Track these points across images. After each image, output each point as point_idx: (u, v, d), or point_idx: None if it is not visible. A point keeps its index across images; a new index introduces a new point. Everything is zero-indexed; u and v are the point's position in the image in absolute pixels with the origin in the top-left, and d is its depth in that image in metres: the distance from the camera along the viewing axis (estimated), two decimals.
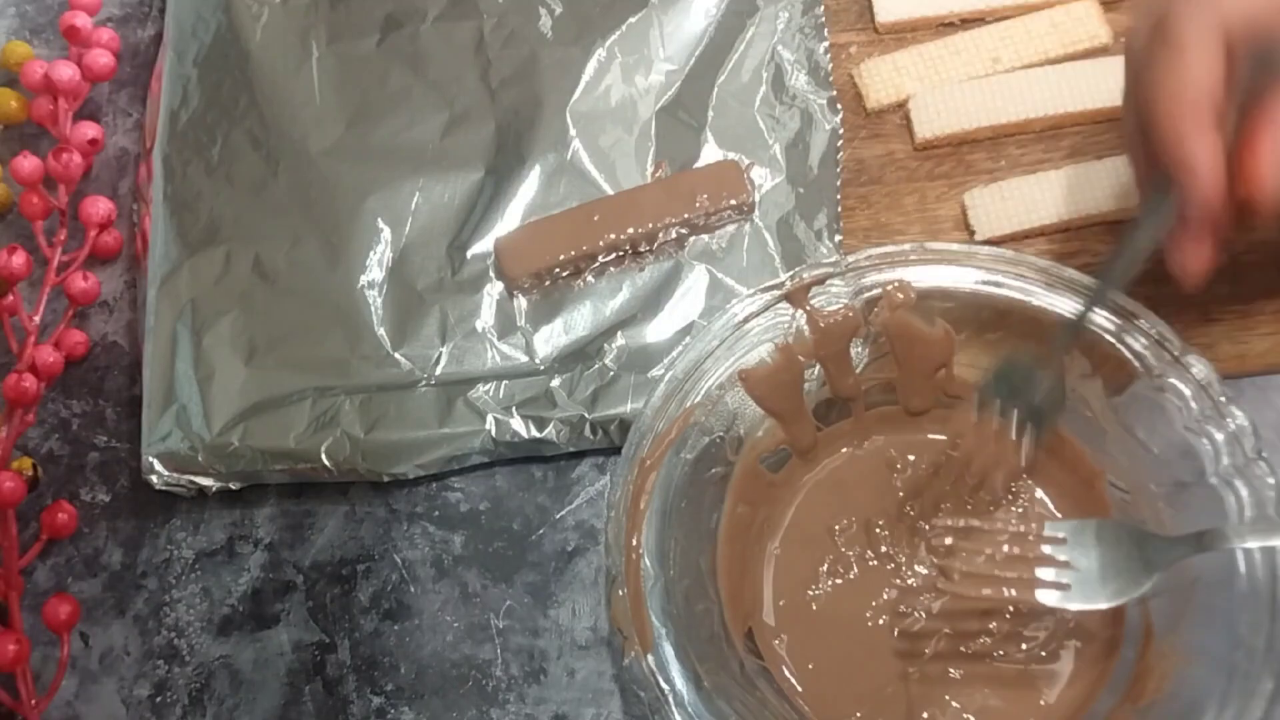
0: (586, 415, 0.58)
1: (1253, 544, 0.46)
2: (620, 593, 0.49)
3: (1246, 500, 0.47)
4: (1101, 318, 0.51)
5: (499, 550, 0.59)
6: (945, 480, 0.54)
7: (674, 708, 0.47)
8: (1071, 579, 0.49)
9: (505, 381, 0.59)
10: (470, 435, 0.59)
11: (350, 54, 0.67)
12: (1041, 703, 0.52)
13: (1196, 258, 0.49)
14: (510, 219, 0.63)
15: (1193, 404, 0.49)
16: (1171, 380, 0.49)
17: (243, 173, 0.65)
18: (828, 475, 0.57)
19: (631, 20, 0.66)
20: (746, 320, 0.53)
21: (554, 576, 0.58)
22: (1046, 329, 0.52)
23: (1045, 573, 0.49)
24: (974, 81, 0.63)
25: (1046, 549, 0.50)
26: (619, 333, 0.60)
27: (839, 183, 0.62)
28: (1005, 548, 0.50)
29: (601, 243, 0.61)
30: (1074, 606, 0.49)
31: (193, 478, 0.59)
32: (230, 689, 0.57)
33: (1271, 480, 0.47)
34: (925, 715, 0.52)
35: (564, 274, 0.61)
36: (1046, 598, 0.49)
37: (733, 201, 0.61)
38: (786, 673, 0.53)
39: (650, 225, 0.61)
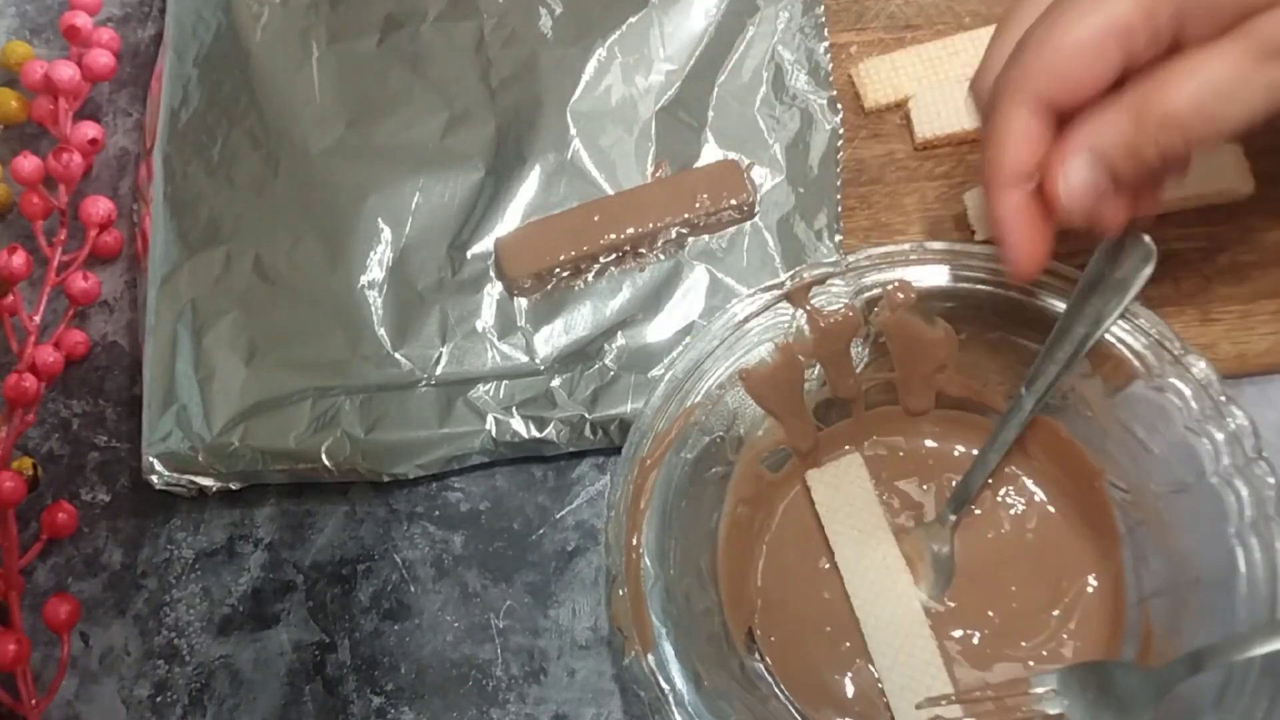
0: (587, 415, 0.58)
1: (1257, 651, 0.43)
2: (620, 593, 0.49)
3: (1246, 500, 0.47)
4: None
5: (499, 550, 0.59)
6: None
7: (674, 707, 0.47)
8: None
9: (505, 381, 0.59)
10: (470, 435, 0.59)
11: (350, 54, 0.67)
12: None
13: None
14: (510, 219, 0.63)
15: (1193, 404, 0.49)
16: (1171, 380, 0.49)
17: (243, 173, 0.65)
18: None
19: (631, 20, 0.66)
20: (746, 320, 0.53)
21: (554, 576, 0.58)
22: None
23: None
24: None
25: (1038, 705, 0.49)
26: (619, 333, 0.60)
27: (839, 183, 0.62)
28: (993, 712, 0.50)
29: (602, 243, 0.61)
30: None
31: (193, 478, 0.59)
32: (230, 689, 0.57)
33: (1271, 480, 0.47)
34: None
35: (564, 274, 0.61)
36: None
37: (733, 201, 0.61)
38: (777, 672, 0.53)
39: (650, 225, 0.61)
